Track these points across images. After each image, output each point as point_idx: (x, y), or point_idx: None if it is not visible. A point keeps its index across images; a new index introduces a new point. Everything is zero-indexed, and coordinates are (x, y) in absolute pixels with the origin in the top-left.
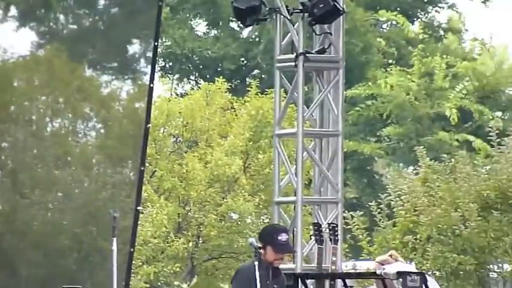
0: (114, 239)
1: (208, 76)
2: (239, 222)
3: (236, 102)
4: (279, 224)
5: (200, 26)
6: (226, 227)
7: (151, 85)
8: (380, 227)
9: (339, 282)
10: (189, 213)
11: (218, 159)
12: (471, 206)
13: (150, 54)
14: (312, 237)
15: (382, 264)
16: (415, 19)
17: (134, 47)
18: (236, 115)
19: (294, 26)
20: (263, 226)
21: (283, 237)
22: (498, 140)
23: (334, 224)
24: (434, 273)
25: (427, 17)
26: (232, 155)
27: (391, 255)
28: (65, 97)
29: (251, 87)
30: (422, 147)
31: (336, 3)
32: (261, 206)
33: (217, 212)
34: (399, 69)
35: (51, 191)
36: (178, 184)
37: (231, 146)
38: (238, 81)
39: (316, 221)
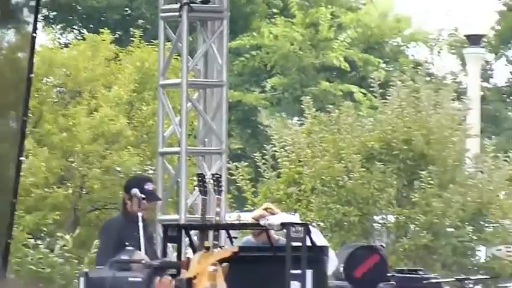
0: None
1: (92, 26)
2: (123, 176)
3: (121, 52)
4: (144, 174)
5: None
6: (111, 180)
7: (34, 34)
8: (264, 178)
9: (223, 233)
10: (72, 165)
11: (104, 116)
12: (355, 157)
13: (33, 3)
14: (196, 188)
15: (258, 220)
16: None
17: None
18: (121, 65)
19: None
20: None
21: (149, 186)
22: (381, 90)
23: (218, 174)
24: (319, 224)
25: None
26: (116, 107)
27: (266, 209)
28: None
29: (135, 38)
30: (308, 97)
31: None
32: (145, 158)
33: (101, 165)
34: (284, 20)
35: None
36: (63, 137)
37: (116, 97)
38: (123, 31)
39: (200, 172)
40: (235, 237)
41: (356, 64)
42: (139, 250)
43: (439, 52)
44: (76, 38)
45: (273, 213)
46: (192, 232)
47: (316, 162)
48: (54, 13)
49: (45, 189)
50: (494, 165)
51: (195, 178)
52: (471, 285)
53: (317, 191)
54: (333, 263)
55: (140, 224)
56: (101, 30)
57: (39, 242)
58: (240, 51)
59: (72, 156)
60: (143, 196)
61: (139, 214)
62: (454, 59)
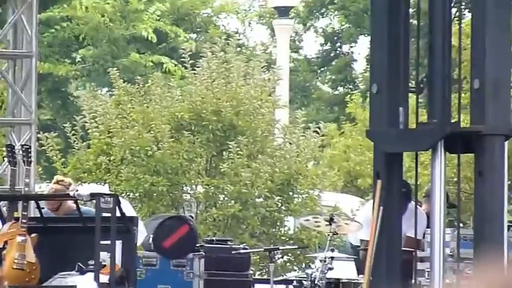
0: None
1: None
2: None
3: None
4: None
5: None
6: None
7: None
8: (74, 148)
9: (32, 203)
10: None
11: None
12: (164, 128)
13: None
14: (5, 158)
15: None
16: None
17: None
18: None
19: None
20: None
21: None
22: (191, 61)
23: (27, 145)
24: (128, 195)
25: None
26: None
27: (57, 182)
28: None
29: None
30: (116, 69)
31: None
32: None
33: None
34: None
35: None
36: None
37: None
38: None
39: (9, 143)
40: (43, 208)
41: (167, 35)
42: None
43: (249, 23)
44: None
45: (65, 185)
46: (2, 203)
47: (125, 133)
48: None
49: None
50: (303, 136)
51: (4, 149)
52: (280, 256)
53: (126, 161)
54: (142, 233)
55: None
56: None
57: None
58: (51, 23)
59: None
60: None
61: None
62: (264, 30)
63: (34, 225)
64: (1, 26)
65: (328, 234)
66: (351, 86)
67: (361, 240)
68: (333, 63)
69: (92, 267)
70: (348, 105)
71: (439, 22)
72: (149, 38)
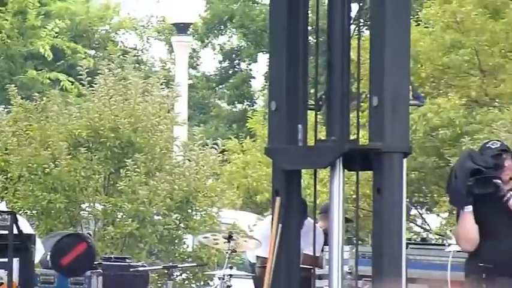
0: None
1: None
2: None
3: None
4: None
5: None
6: None
7: None
8: None
9: None
10: None
11: None
12: (61, 145)
13: None
14: None
15: None
16: None
17: None
18: None
19: None
20: None
21: None
22: (89, 78)
23: None
24: (26, 213)
25: None
26: None
27: None
28: None
29: None
30: (14, 85)
31: None
32: None
33: None
34: None
35: None
36: None
37: None
38: None
39: None
40: None
41: (64, 52)
42: None
43: (148, 39)
44: None
45: None
46: None
47: (22, 150)
48: None
49: None
50: (202, 153)
51: None
52: (178, 273)
53: (24, 179)
54: (40, 251)
55: None
56: None
57: None
58: None
59: None
60: None
61: None
62: (163, 46)
63: None
64: None
65: (227, 252)
66: (248, 103)
67: (257, 257)
68: (231, 80)
69: None
70: (248, 121)
71: (338, 40)
72: (46, 55)
